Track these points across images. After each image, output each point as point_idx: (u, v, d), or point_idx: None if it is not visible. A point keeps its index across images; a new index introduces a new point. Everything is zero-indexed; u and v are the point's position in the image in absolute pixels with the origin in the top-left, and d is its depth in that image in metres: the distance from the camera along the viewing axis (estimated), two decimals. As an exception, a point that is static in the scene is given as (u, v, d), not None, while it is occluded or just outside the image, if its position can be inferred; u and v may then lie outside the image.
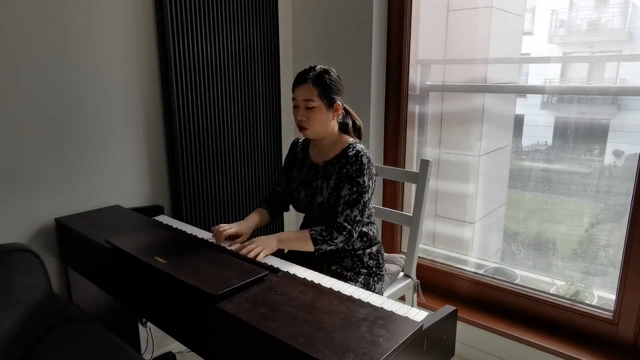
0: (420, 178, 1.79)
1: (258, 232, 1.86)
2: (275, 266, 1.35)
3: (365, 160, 1.54)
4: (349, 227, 1.52)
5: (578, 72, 2.16)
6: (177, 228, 1.66)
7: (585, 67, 2.13)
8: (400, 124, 2.32)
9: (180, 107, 1.95)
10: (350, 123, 1.67)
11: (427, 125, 2.44)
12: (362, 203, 1.53)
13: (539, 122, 2.32)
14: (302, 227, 1.78)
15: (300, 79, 1.53)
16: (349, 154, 1.56)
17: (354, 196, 1.53)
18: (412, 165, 2.41)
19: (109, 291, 1.60)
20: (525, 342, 1.91)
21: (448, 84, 2.41)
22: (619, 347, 1.84)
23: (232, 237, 1.58)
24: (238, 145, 2.22)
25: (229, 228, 1.55)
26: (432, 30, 2.33)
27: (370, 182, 1.56)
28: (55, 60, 1.66)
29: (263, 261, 1.39)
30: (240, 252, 1.43)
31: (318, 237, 1.51)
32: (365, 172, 1.53)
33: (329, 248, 1.53)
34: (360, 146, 1.58)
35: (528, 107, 2.39)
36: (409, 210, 2.26)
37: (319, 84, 1.51)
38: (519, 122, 2.36)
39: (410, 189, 2.40)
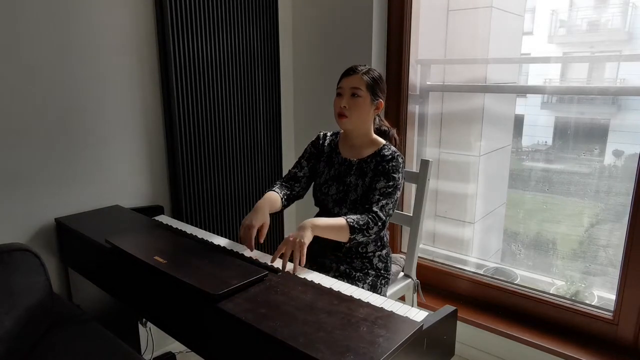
0: (420, 178, 1.80)
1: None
2: (276, 266, 1.35)
3: (400, 160, 1.58)
4: (384, 217, 1.51)
5: (578, 72, 2.16)
6: (177, 228, 1.66)
7: (585, 67, 2.13)
8: (400, 124, 2.32)
9: (180, 107, 1.95)
10: (391, 134, 1.71)
11: (427, 125, 2.44)
12: (395, 198, 1.55)
13: (539, 122, 2.32)
14: None
15: (350, 71, 1.59)
16: (385, 153, 1.60)
17: (390, 190, 1.54)
18: (412, 165, 2.41)
19: (109, 291, 1.60)
20: (525, 342, 1.91)
21: (448, 84, 2.41)
22: (619, 347, 1.84)
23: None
24: (238, 145, 2.22)
25: (250, 226, 1.43)
26: (432, 30, 2.33)
27: (401, 181, 1.58)
28: (55, 61, 1.66)
29: (263, 261, 1.39)
30: (279, 263, 1.32)
31: (355, 226, 1.45)
32: (400, 170, 1.56)
33: (362, 239, 1.49)
34: (394, 148, 1.63)
35: (528, 107, 2.39)
36: (409, 210, 2.26)
37: (368, 76, 1.57)
38: (519, 122, 2.35)
39: (410, 189, 2.40)
